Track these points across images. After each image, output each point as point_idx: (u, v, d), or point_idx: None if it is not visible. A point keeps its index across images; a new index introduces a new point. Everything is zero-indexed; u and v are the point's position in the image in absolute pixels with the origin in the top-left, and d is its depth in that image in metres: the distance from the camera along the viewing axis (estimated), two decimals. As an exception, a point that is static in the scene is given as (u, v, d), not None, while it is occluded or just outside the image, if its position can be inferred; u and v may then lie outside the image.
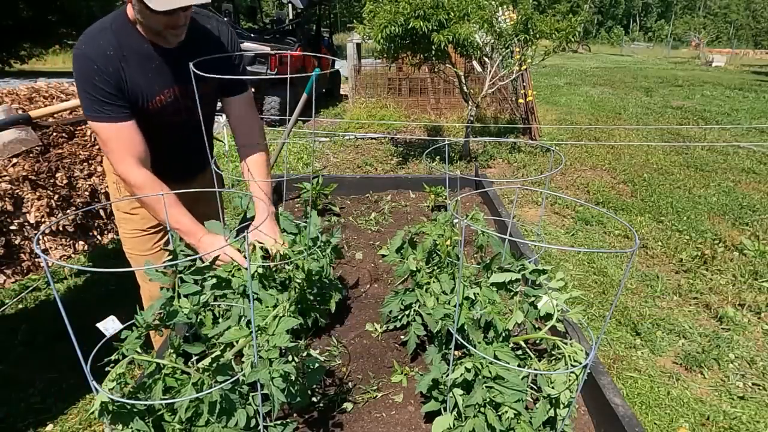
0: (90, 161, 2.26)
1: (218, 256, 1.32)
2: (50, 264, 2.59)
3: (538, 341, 1.35)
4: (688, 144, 7.25)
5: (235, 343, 1.02)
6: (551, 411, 1.04)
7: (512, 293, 1.16)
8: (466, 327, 1.05)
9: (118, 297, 3.08)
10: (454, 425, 1.02)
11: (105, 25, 1.46)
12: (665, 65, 23.29)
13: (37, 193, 2.02)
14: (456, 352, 1.08)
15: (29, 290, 3.14)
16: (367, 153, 6.51)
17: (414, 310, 1.39)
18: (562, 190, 5.38)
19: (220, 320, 1.12)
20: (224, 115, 1.78)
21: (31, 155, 2.00)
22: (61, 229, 2.14)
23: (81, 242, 2.22)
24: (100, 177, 2.29)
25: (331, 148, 6.68)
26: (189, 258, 0.87)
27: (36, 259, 2.01)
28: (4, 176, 1.90)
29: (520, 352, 1.16)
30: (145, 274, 1.69)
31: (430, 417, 1.16)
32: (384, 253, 1.50)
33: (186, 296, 1.07)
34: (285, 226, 1.60)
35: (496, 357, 1.01)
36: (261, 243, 1.42)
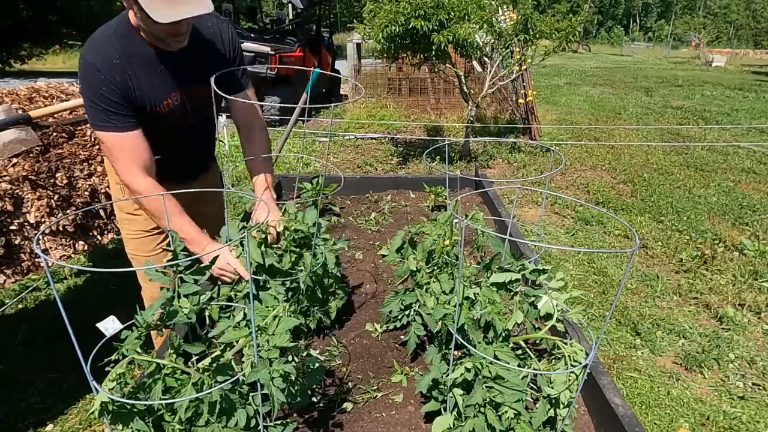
0: (90, 161, 2.26)
1: (218, 256, 1.32)
2: (50, 264, 2.59)
3: (538, 341, 1.35)
4: (688, 144, 7.25)
5: (235, 343, 1.02)
6: (551, 411, 1.04)
7: (512, 293, 1.16)
8: (466, 327, 1.05)
9: (118, 297, 3.08)
10: (454, 425, 1.02)
11: (109, 31, 1.45)
12: (665, 65, 23.30)
13: (37, 193, 2.02)
14: (456, 352, 1.08)
15: (29, 290, 3.14)
16: (367, 153, 6.51)
17: (414, 310, 1.39)
18: (562, 190, 5.38)
19: (220, 321, 1.12)
20: (224, 115, 1.79)
21: (31, 155, 2.00)
22: (61, 229, 2.14)
23: (81, 242, 2.22)
24: (100, 177, 2.29)
25: (331, 148, 6.68)
26: (189, 258, 0.87)
27: (36, 259, 2.01)
28: (4, 176, 1.90)
29: (520, 352, 1.16)
30: (145, 274, 1.69)
31: (430, 417, 1.16)
32: (384, 253, 1.50)
33: (186, 296, 1.07)
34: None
35: (496, 357, 1.01)
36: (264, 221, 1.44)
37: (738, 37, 44.06)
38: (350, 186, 2.71)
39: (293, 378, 0.99)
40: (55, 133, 2.12)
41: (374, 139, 7.24)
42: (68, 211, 2.14)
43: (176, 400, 0.90)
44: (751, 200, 5.07)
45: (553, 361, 1.12)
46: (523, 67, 6.08)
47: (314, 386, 1.22)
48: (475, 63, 6.99)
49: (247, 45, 7.56)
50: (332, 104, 1.51)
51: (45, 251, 2.08)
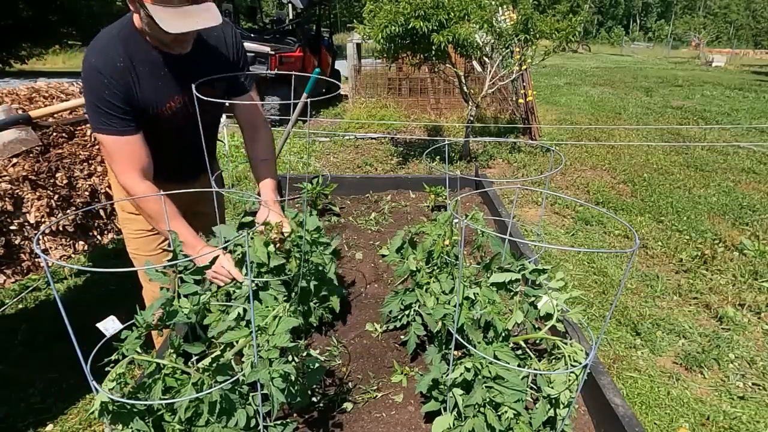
0: (90, 161, 2.26)
1: (217, 257, 1.32)
2: (50, 264, 2.59)
3: (538, 341, 1.35)
4: (688, 144, 7.25)
5: (235, 343, 1.02)
6: (551, 411, 1.04)
7: (512, 293, 1.16)
8: (465, 327, 1.05)
9: (118, 297, 3.08)
10: (453, 425, 1.02)
11: (113, 33, 1.45)
12: (665, 65, 23.30)
13: (37, 193, 2.02)
14: (456, 352, 1.08)
15: (29, 290, 3.14)
16: (367, 153, 6.51)
17: (414, 310, 1.39)
18: (562, 190, 5.38)
19: (221, 320, 1.12)
20: (224, 115, 1.79)
21: (31, 155, 2.00)
22: (61, 229, 2.14)
23: (81, 242, 2.22)
24: (100, 177, 2.29)
25: (331, 148, 6.68)
26: (187, 259, 0.87)
27: (36, 259, 2.00)
28: (4, 176, 1.90)
29: (520, 352, 1.16)
30: (146, 274, 1.70)
31: (430, 417, 1.16)
32: (384, 253, 1.50)
33: (186, 296, 1.07)
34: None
35: (495, 357, 1.01)
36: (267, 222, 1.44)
37: (738, 37, 44.06)
38: (350, 186, 2.71)
39: (293, 378, 0.99)
40: (55, 133, 2.12)
41: (374, 139, 7.24)
42: (68, 211, 2.14)
43: (176, 400, 0.90)
44: (751, 200, 5.07)
45: (553, 361, 1.12)
46: (523, 67, 6.08)
47: (314, 386, 1.22)
48: (475, 63, 6.99)
49: (247, 45, 7.53)
50: (329, 94, 1.51)
51: (45, 251, 2.08)
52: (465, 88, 6.01)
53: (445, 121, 8.16)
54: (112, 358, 0.93)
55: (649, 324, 3.01)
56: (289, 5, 9.48)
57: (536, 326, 1.21)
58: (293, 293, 1.37)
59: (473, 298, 1.09)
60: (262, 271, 1.29)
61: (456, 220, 1.37)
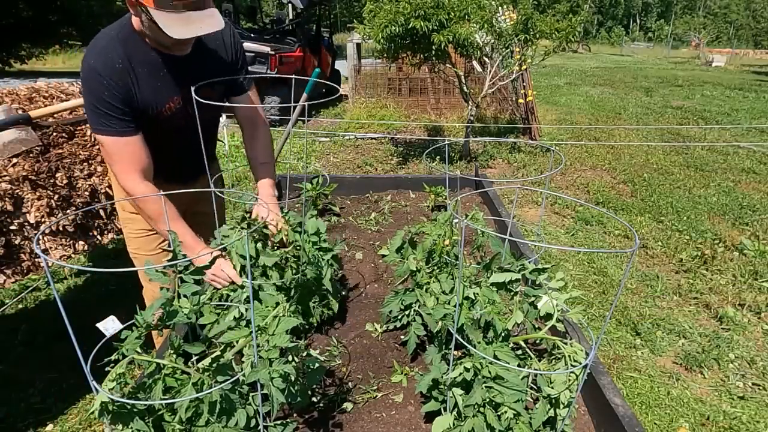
0: (90, 161, 2.26)
1: (216, 257, 1.32)
2: (50, 264, 2.59)
3: (538, 341, 1.35)
4: (688, 144, 7.25)
5: (235, 343, 1.02)
6: (551, 411, 1.04)
7: (512, 293, 1.16)
8: (465, 327, 1.05)
9: (118, 297, 3.08)
10: (453, 425, 1.02)
11: (112, 34, 1.45)
12: (665, 65, 23.29)
13: (37, 193, 2.02)
14: (456, 352, 1.08)
15: (29, 290, 3.14)
16: (367, 153, 6.51)
17: (414, 310, 1.39)
18: (562, 190, 5.38)
19: (220, 320, 1.12)
20: (224, 115, 1.80)
21: (31, 155, 2.00)
22: (61, 229, 2.13)
23: (81, 242, 2.22)
24: (100, 177, 2.29)
25: (331, 149, 6.68)
26: (187, 259, 0.87)
27: (36, 259, 2.00)
28: (4, 176, 1.90)
29: (519, 352, 1.16)
30: (146, 274, 1.70)
31: (430, 417, 1.16)
32: (384, 253, 1.50)
33: (186, 296, 1.07)
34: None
35: (495, 357, 1.01)
36: (264, 218, 1.45)
37: (738, 37, 44.05)
38: (350, 186, 2.71)
39: (293, 378, 0.99)
40: (55, 133, 2.12)
41: (374, 139, 7.24)
42: (68, 211, 2.14)
43: (176, 400, 0.90)
44: (751, 200, 5.07)
45: (553, 361, 1.12)
46: (523, 67, 6.08)
47: (314, 386, 1.22)
48: (475, 63, 6.99)
49: (247, 45, 7.55)
50: (329, 99, 1.52)
51: (45, 251, 2.08)
52: (465, 88, 6.01)
53: (445, 121, 8.16)
54: (112, 358, 0.93)
55: (649, 324, 3.01)
56: (289, 5, 9.48)
57: (536, 326, 1.21)
58: (291, 295, 1.38)
59: (473, 298, 1.09)
60: (255, 273, 1.29)
61: (456, 220, 1.37)
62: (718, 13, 53.27)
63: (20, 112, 2.00)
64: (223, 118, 1.63)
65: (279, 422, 1.05)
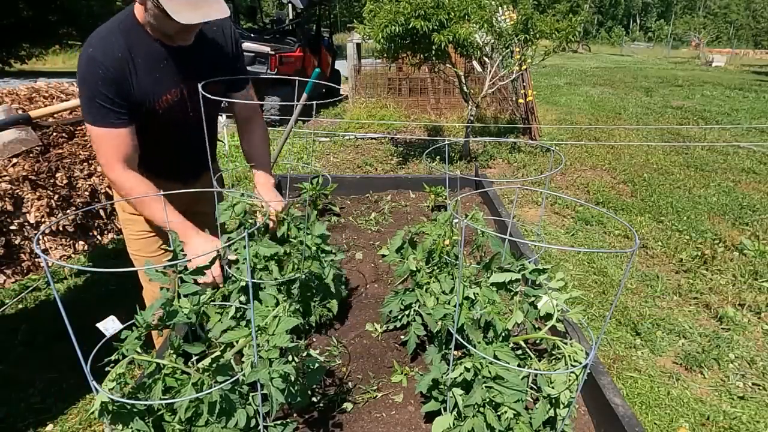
0: (90, 161, 2.26)
1: (216, 255, 1.32)
2: (50, 264, 2.59)
3: (538, 341, 1.35)
4: (688, 144, 7.25)
5: (235, 343, 1.02)
6: (551, 411, 1.04)
7: (512, 293, 1.16)
8: (465, 327, 1.05)
9: (118, 297, 3.08)
10: (453, 425, 1.02)
11: (113, 25, 1.46)
12: (665, 65, 23.29)
13: (37, 193, 2.02)
14: (456, 352, 1.08)
15: (29, 290, 3.14)
16: (367, 153, 6.51)
17: (414, 310, 1.39)
18: (562, 190, 5.38)
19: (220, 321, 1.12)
20: (224, 115, 1.80)
21: (31, 155, 2.00)
22: (61, 229, 2.14)
23: (81, 242, 2.22)
24: (100, 177, 2.29)
25: (331, 148, 6.68)
26: (185, 260, 0.87)
27: (36, 259, 2.01)
28: (4, 176, 1.90)
29: (520, 352, 1.16)
30: (146, 274, 1.70)
31: (430, 417, 1.16)
32: (384, 253, 1.49)
33: (186, 296, 1.07)
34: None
35: (495, 357, 1.01)
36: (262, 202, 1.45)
37: (738, 37, 44.04)
38: (350, 186, 2.70)
39: (293, 378, 0.99)
40: (55, 133, 2.12)
41: (374, 139, 7.24)
42: (68, 211, 2.14)
43: (176, 400, 0.90)
44: (751, 200, 5.07)
45: (553, 361, 1.12)
46: (523, 67, 6.08)
47: (314, 386, 1.22)
48: (475, 63, 6.99)
49: (247, 45, 7.56)
50: (331, 100, 1.52)
51: (45, 251, 2.08)
52: (465, 88, 6.01)
53: (445, 121, 8.16)
54: (112, 358, 0.93)
55: (649, 324, 3.01)
56: (289, 5, 9.48)
57: (536, 326, 1.21)
58: (291, 292, 1.38)
59: (473, 298, 1.09)
60: (258, 266, 1.29)
61: (456, 220, 1.37)
62: (718, 13, 53.25)
63: (20, 112, 2.00)
64: (222, 118, 1.63)
65: (279, 422, 1.05)
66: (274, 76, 7.15)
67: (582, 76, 16.37)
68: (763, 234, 4.23)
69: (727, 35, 48.41)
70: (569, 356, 1.05)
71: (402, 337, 1.46)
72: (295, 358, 1.04)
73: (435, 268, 1.37)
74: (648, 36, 57.65)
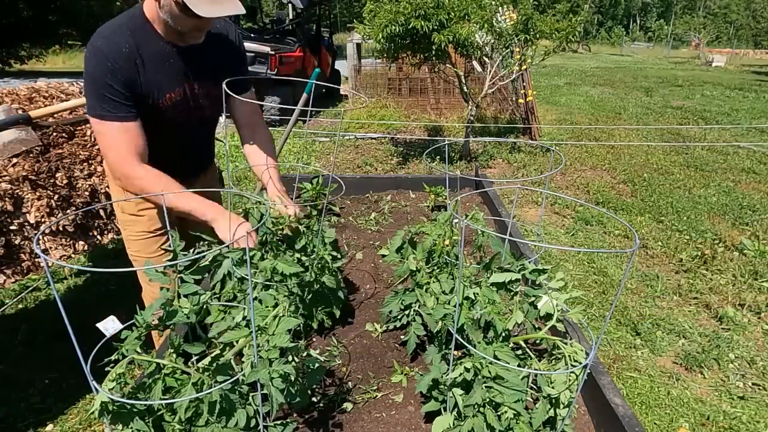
0: (90, 161, 2.26)
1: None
2: (50, 264, 2.59)
3: (538, 341, 1.35)
4: (688, 144, 7.25)
5: (235, 343, 1.02)
6: (551, 411, 1.04)
7: (512, 293, 1.16)
8: (465, 327, 1.05)
9: (118, 297, 3.09)
10: (453, 425, 1.02)
11: (121, 23, 1.46)
12: (665, 65, 23.30)
13: (37, 193, 2.02)
14: (456, 352, 1.08)
15: (29, 290, 3.14)
16: (367, 153, 6.51)
17: (414, 310, 1.39)
18: (562, 190, 5.38)
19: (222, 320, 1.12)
20: (224, 115, 1.80)
21: (31, 155, 2.00)
22: (61, 229, 2.14)
23: (81, 242, 2.22)
24: (100, 177, 2.29)
25: (331, 149, 6.68)
26: (192, 258, 0.87)
27: (36, 259, 2.01)
28: (4, 176, 1.90)
29: (520, 352, 1.16)
30: (146, 274, 1.70)
31: (430, 417, 1.16)
32: (384, 253, 1.49)
33: (186, 296, 1.07)
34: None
35: (495, 357, 1.01)
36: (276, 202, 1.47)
37: (738, 37, 44.04)
38: (350, 186, 2.70)
39: (293, 378, 0.99)
40: (55, 133, 2.12)
41: (374, 139, 7.24)
42: (68, 211, 2.14)
43: (176, 400, 0.90)
44: (751, 200, 5.07)
45: (553, 361, 1.12)
46: (523, 67, 6.08)
47: (314, 386, 1.22)
48: (475, 63, 6.99)
49: (247, 45, 7.53)
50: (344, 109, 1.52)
51: (45, 251, 2.08)
52: (465, 88, 6.01)
53: (445, 121, 8.16)
54: (112, 358, 0.93)
55: (649, 324, 3.01)
56: (289, 5, 9.48)
57: (536, 326, 1.21)
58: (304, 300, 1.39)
59: (473, 298, 1.09)
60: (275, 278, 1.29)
61: (456, 220, 1.37)
62: (718, 13, 53.24)
63: (20, 112, 2.00)
64: (222, 119, 1.63)
65: (279, 422, 1.05)
66: (274, 77, 7.15)
67: (582, 76, 16.37)
68: (763, 234, 4.23)
69: (727, 35, 48.41)
70: (569, 356, 1.05)
71: (402, 337, 1.46)
72: (295, 358, 1.04)
73: (435, 268, 1.37)
74: (648, 36, 57.66)
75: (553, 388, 1.03)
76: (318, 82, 1.76)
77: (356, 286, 1.81)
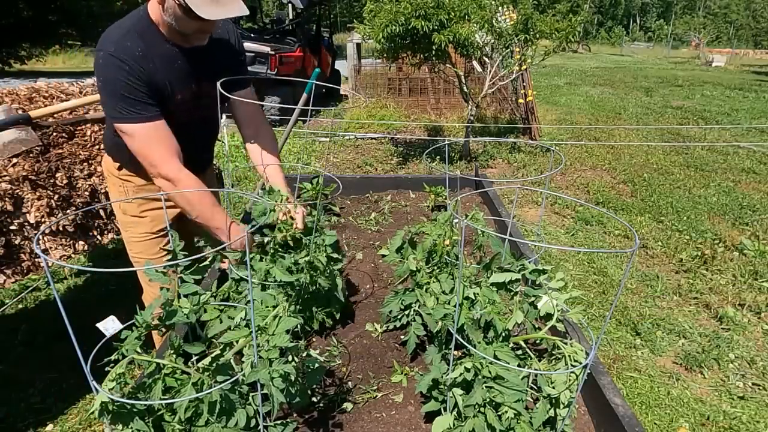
0: (90, 161, 2.26)
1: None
2: (50, 264, 2.59)
3: (538, 341, 1.35)
4: (688, 144, 7.25)
5: (235, 343, 1.02)
6: (551, 411, 1.04)
7: (512, 293, 1.16)
8: (465, 327, 1.05)
9: (118, 297, 3.08)
10: (453, 425, 1.02)
11: (128, 27, 1.45)
12: (665, 65, 23.29)
13: (37, 193, 2.02)
14: (456, 352, 1.08)
15: (29, 290, 3.14)
16: (367, 153, 6.51)
17: (414, 310, 1.39)
18: (562, 190, 5.38)
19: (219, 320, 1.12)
20: (224, 115, 1.80)
21: (31, 155, 2.00)
22: (61, 229, 2.13)
23: (81, 242, 2.22)
24: (100, 177, 2.29)
25: (331, 148, 6.68)
26: (192, 259, 0.87)
27: (36, 259, 2.00)
28: (4, 176, 1.90)
29: (520, 352, 1.16)
30: (146, 274, 1.69)
31: (430, 417, 1.16)
32: (384, 253, 1.49)
33: (186, 296, 1.07)
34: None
35: (496, 357, 1.01)
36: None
37: (738, 37, 44.03)
38: (350, 186, 2.71)
39: (293, 378, 0.99)
40: (55, 133, 2.12)
41: (374, 139, 7.23)
42: (68, 211, 2.14)
43: (176, 400, 0.90)
44: (751, 200, 5.07)
45: (554, 361, 1.12)
46: (523, 67, 6.08)
47: (314, 386, 1.22)
48: (475, 63, 6.99)
49: (247, 45, 7.53)
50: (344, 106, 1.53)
51: (45, 251, 2.08)
52: (465, 88, 6.01)
53: (445, 121, 8.16)
54: (112, 358, 0.93)
55: (649, 324, 3.01)
56: (289, 5, 9.48)
57: (536, 326, 1.21)
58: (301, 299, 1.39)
59: (473, 298, 1.09)
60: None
61: (456, 220, 1.37)
62: (718, 13, 53.23)
63: (20, 112, 2.00)
64: (223, 118, 1.63)
65: (279, 422, 1.05)
66: (274, 77, 7.14)
67: (582, 76, 16.36)
68: (763, 234, 4.23)
69: (727, 35, 48.40)
70: (569, 356, 1.05)
71: (402, 337, 1.46)
72: (295, 358, 1.04)
73: (435, 268, 1.37)
74: (648, 36, 57.64)
75: (553, 388, 1.03)
76: (318, 82, 1.76)
77: (356, 286, 1.81)
